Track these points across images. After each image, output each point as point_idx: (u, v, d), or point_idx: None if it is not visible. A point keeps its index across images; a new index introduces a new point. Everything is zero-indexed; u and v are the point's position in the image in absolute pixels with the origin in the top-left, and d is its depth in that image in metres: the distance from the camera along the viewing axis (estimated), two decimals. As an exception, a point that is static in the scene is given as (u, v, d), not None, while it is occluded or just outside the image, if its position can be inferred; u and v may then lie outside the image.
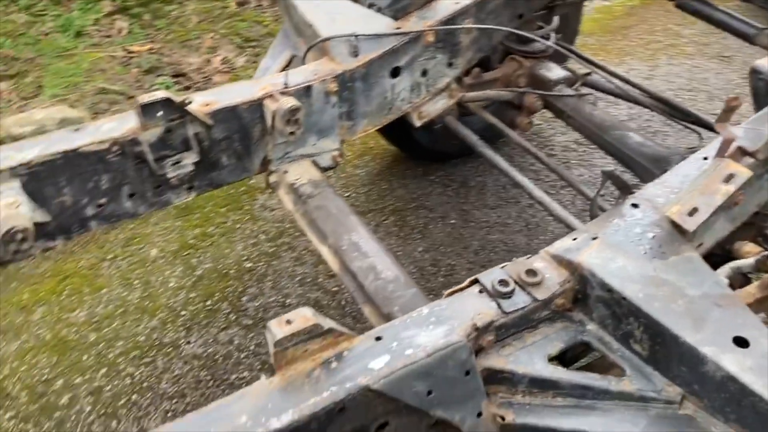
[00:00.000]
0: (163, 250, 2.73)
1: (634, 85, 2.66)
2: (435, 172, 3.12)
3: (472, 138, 2.40)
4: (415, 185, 3.06)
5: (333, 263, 1.79)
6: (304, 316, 1.13)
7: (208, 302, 2.51)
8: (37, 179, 1.63)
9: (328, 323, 1.15)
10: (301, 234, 2.79)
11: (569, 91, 2.46)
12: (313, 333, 1.13)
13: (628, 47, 4.26)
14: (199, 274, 2.62)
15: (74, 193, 1.71)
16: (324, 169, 2.07)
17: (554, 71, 2.50)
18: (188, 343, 2.36)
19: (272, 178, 2.02)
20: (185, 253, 2.72)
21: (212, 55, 3.89)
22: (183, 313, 2.47)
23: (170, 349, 2.34)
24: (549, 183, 3.01)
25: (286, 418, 1.07)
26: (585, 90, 2.53)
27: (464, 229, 2.82)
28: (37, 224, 1.64)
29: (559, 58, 2.57)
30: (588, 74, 2.60)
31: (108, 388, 2.22)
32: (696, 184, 1.42)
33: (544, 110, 2.56)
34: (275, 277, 2.61)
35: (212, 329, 2.41)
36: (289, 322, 1.12)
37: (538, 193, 2.17)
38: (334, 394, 1.10)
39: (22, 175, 1.61)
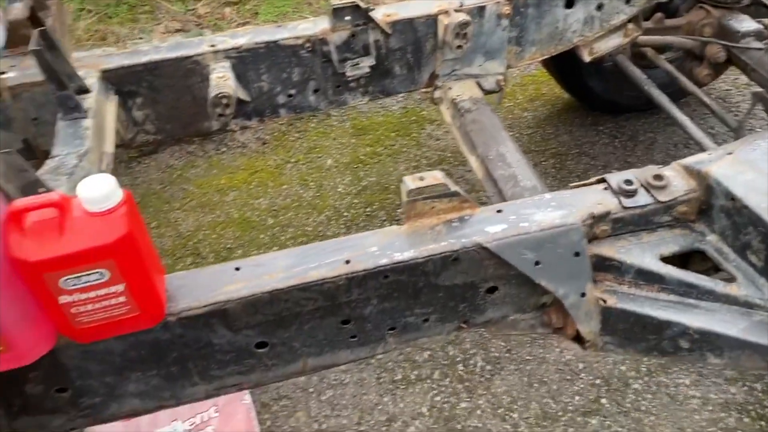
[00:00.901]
0: (337, 161, 3.05)
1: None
2: (604, 122, 3.10)
3: (646, 83, 2.39)
4: (581, 133, 3.07)
5: (478, 171, 1.94)
6: (434, 176, 1.31)
7: (368, 209, 2.78)
8: (243, 63, 1.96)
9: (455, 187, 1.32)
10: (460, 163, 2.96)
11: (758, 45, 2.33)
12: (441, 192, 1.30)
13: None
14: (364, 185, 2.91)
15: (271, 80, 2.03)
16: (486, 92, 2.20)
17: (745, 23, 2.37)
18: (346, 239, 2.65)
19: (437, 94, 2.20)
20: (355, 166, 3.01)
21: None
22: (345, 214, 2.77)
23: (330, 241, 2.65)
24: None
25: (408, 254, 1.26)
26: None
27: (624, 180, 2.80)
28: (239, 101, 1.98)
29: (753, 12, 2.43)
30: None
31: (276, 263, 2.59)
32: None
33: (736, 76, 2.44)
34: (431, 197, 2.80)
35: (368, 231, 2.67)
36: (422, 178, 1.30)
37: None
38: (450, 245, 1.27)
39: (232, 58, 1.95)
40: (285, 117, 2.14)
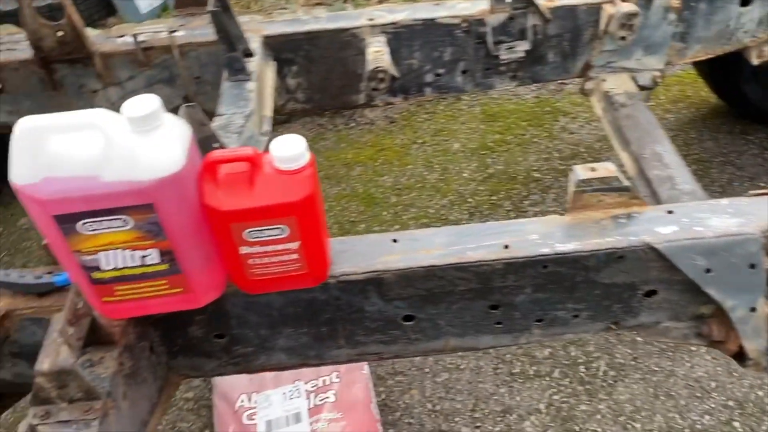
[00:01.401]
0: (464, 146, 3.02)
1: None
2: (754, 132, 2.89)
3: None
4: (728, 141, 2.88)
5: (630, 169, 1.85)
6: (607, 168, 1.26)
7: (493, 197, 2.75)
8: (398, 39, 1.97)
9: (626, 182, 1.27)
10: (594, 160, 2.86)
11: None
12: (611, 185, 1.25)
13: None
14: (490, 172, 2.87)
15: (422, 58, 2.03)
16: (641, 87, 2.10)
17: None
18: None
19: (588, 85, 2.12)
20: (482, 153, 2.97)
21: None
22: (469, 200, 2.75)
23: (453, 225, 2.64)
24: None
25: (570, 246, 1.23)
26: None
27: (773, 195, 2.61)
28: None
29: None
30: None
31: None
32: None
33: None
34: (559, 192, 2.73)
35: (491, 220, 2.64)
36: (593, 169, 1.26)
37: None
38: (617, 241, 1.23)
39: (388, 33, 1.96)
40: (429, 96, 2.13)
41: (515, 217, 2.64)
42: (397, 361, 2.15)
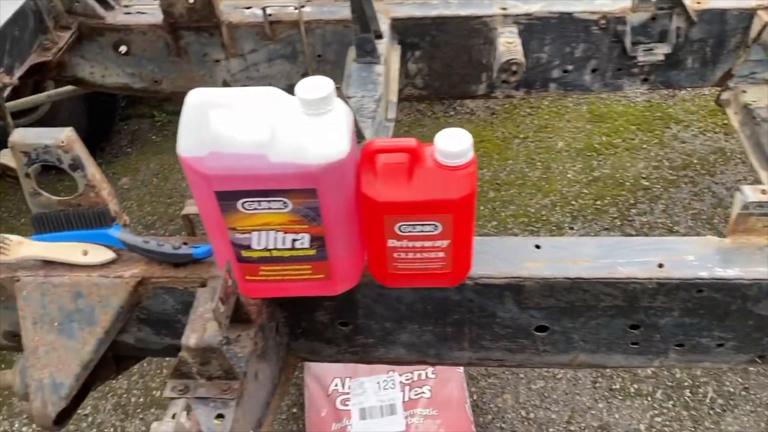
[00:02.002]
0: (569, 145, 2.92)
1: None
2: None
3: None
4: None
5: (771, 188, 1.73)
6: (780, 192, 1.16)
7: (598, 202, 2.64)
8: (530, 30, 1.89)
9: (800, 210, 1.16)
10: (707, 173, 2.71)
11: None
12: (782, 211, 1.16)
13: None
14: (596, 175, 2.75)
15: (552, 52, 1.94)
16: (784, 102, 1.95)
17: None
18: (571, 228, 2.54)
19: (725, 95, 1.99)
20: (588, 154, 2.86)
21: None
22: (573, 203, 2.65)
23: (554, 227, 2.55)
24: None
25: (732, 272, 1.14)
26: None
27: None
28: (515, 69, 1.91)
29: None
30: None
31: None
32: None
33: None
34: (669, 203, 2.60)
35: (595, 225, 2.54)
36: (764, 191, 1.16)
37: None
38: (785, 273, 1.13)
39: (520, 24, 1.88)
40: (552, 93, 2.05)
41: (620, 225, 2.53)
42: (491, 362, 2.09)
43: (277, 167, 0.93)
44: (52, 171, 1.29)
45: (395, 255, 1.07)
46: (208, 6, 1.89)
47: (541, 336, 1.26)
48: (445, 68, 2.00)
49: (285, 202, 0.97)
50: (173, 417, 0.94)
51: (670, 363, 1.30)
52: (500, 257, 1.20)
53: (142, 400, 2.12)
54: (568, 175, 2.76)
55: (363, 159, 1.01)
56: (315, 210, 0.98)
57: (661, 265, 1.16)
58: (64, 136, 1.12)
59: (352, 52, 1.80)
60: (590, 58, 1.94)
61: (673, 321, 1.21)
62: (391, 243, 1.05)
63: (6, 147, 1.66)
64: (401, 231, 1.03)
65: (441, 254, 1.07)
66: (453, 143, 0.98)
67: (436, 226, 1.02)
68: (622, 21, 1.86)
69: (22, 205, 2.88)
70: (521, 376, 2.07)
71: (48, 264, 1.21)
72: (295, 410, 2.02)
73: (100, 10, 1.97)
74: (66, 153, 1.13)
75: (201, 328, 1.02)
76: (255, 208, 0.98)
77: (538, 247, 1.21)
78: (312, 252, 1.04)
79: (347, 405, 1.85)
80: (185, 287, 1.20)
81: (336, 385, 1.91)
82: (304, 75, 2.03)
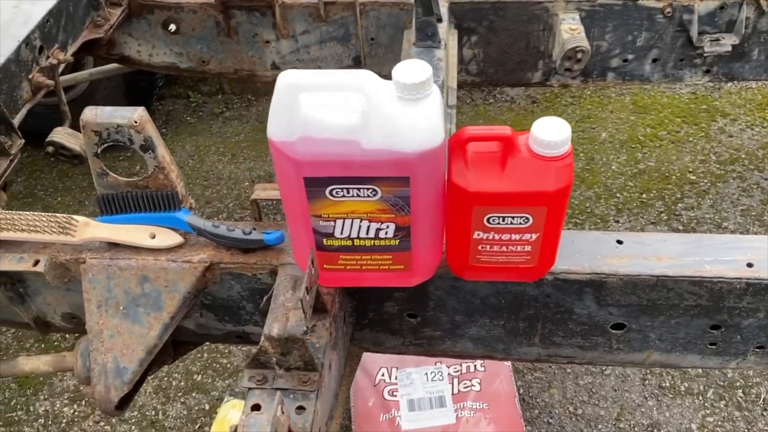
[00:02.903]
0: (613, 136, 2.86)
1: None
2: None
3: None
4: None
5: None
6: None
7: (644, 195, 2.58)
8: (592, 17, 1.83)
9: None
10: (756, 168, 2.65)
11: None
12: None
13: None
14: (641, 167, 2.70)
15: (613, 40, 1.88)
16: None
17: None
18: (616, 221, 2.49)
19: (790, 89, 1.93)
20: (632, 146, 2.80)
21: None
22: (617, 195, 2.59)
23: (598, 220, 2.50)
24: None
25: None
26: None
27: None
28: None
29: None
30: None
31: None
32: None
33: None
34: (716, 198, 2.54)
35: (641, 219, 2.49)
36: None
37: None
38: None
39: (583, 10, 1.82)
40: (610, 82, 1.99)
41: (667, 220, 2.48)
42: (537, 356, 2.06)
43: (370, 154, 0.89)
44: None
45: (479, 247, 1.03)
46: (262, -15, 1.85)
47: (617, 334, 1.22)
48: (501, 54, 1.94)
49: (375, 190, 0.93)
50: (257, 408, 0.92)
51: (748, 365, 1.26)
52: (581, 252, 1.16)
53: (183, 384, 2.10)
54: (612, 167, 2.71)
55: (453, 147, 0.97)
56: (405, 199, 0.94)
57: (750, 265, 1.11)
58: (137, 115, 1.09)
59: (409, 36, 1.75)
60: (652, 47, 1.88)
61: (758, 322, 1.17)
62: (477, 235, 1.01)
63: (59, 125, 1.66)
64: (489, 223, 0.99)
65: (528, 248, 1.03)
66: (551, 132, 0.94)
67: (527, 218, 0.98)
68: (689, 10, 1.79)
69: (58, 183, 2.87)
70: (568, 371, 2.03)
71: (114, 246, 1.19)
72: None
73: (150, -14, 1.94)
74: (138, 133, 1.10)
75: (284, 317, 0.99)
76: (343, 196, 0.94)
77: (620, 242, 1.17)
78: (395, 242, 1.01)
79: (395, 395, 1.83)
80: (254, 274, 1.17)
81: (383, 375, 1.88)
82: (356, 58, 1.99)
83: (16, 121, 1.50)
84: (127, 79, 2.74)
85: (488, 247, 1.03)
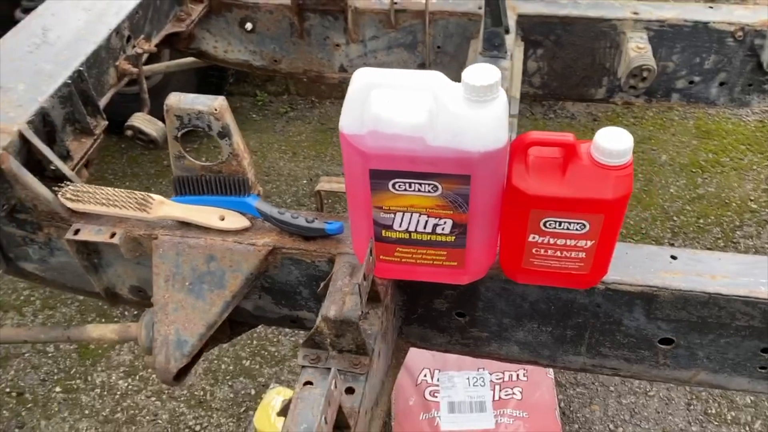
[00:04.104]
0: (673, 159, 2.82)
1: None
2: None
3: None
4: None
5: None
6: None
7: (701, 220, 2.55)
8: (660, 37, 1.84)
9: None
10: (823, 202, 2.57)
11: None
12: None
13: None
14: (700, 192, 2.66)
15: (680, 61, 1.88)
16: None
17: None
18: (671, 244, 2.46)
19: None
20: (693, 170, 2.76)
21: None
22: (674, 218, 2.56)
23: (653, 242, 2.48)
24: None
25: None
26: None
27: None
28: (640, 76, 1.86)
29: None
30: None
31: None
32: None
33: None
34: (778, 228, 2.49)
35: (696, 244, 2.46)
36: None
37: None
38: None
39: (651, 30, 1.83)
40: (674, 103, 1.98)
41: (723, 246, 2.44)
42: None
43: (434, 151, 0.94)
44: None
45: (533, 251, 1.06)
46: (337, -10, 1.92)
47: (665, 349, 1.22)
48: (566, 69, 1.96)
49: (436, 186, 0.97)
50: (309, 384, 0.97)
51: (799, 392, 1.24)
52: (634, 264, 1.17)
53: (231, 368, 2.18)
54: (671, 190, 2.68)
55: (515, 150, 1.00)
56: (464, 197, 0.98)
57: (807, 289, 1.11)
58: (217, 103, 1.17)
59: (475, 45, 1.79)
60: (720, 70, 1.87)
61: (812, 349, 1.15)
62: (533, 238, 1.04)
63: (130, 113, 1.76)
64: (546, 227, 1.02)
65: (582, 254, 1.05)
66: (614, 141, 0.97)
67: (584, 225, 1.01)
68: (761, 35, 1.78)
69: (127, 169, 3.01)
70: (611, 389, 2.02)
71: (185, 225, 1.26)
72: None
73: (232, -14, 2.04)
74: (217, 120, 1.17)
75: (340, 300, 1.04)
76: (405, 189, 0.99)
77: (674, 257, 1.18)
78: (451, 238, 1.05)
79: (436, 396, 1.86)
80: (312, 260, 1.23)
81: (425, 376, 1.92)
82: (421, 65, 2.04)
83: (102, 104, 1.61)
84: (199, 74, 2.87)
85: (542, 251, 1.06)
